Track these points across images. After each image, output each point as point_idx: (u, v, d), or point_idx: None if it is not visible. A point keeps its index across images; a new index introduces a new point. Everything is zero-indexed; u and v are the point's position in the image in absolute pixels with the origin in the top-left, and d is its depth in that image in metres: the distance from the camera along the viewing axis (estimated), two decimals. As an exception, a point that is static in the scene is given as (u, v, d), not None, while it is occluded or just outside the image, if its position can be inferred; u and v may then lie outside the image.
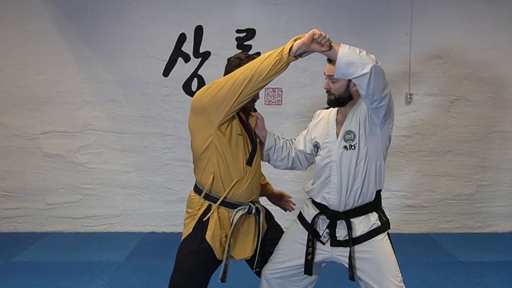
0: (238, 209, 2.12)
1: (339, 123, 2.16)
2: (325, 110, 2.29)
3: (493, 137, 4.51)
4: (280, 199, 2.57)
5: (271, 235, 2.30)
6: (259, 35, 4.32)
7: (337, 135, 2.13)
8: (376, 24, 4.35)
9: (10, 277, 3.45)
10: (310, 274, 2.15)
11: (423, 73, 4.41)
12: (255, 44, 4.30)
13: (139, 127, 4.43)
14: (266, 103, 4.37)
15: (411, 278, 3.43)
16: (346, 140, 2.08)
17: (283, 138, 2.38)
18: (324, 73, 2.14)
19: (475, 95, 4.45)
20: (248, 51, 4.28)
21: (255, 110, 2.29)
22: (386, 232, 2.13)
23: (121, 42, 4.33)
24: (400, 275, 2.06)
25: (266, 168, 4.89)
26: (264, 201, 2.41)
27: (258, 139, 2.26)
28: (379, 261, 2.06)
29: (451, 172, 4.54)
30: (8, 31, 4.30)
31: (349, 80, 2.04)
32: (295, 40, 1.91)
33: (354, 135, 2.07)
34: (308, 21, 4.32)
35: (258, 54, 2.19)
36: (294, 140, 2.39)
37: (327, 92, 2.13)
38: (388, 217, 2.18)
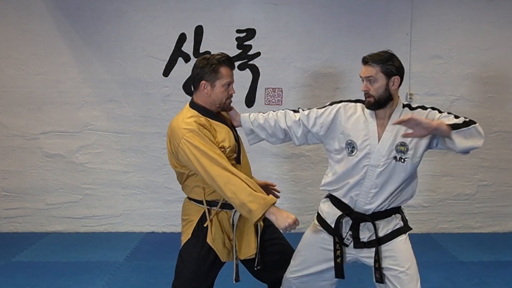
0: (235, 210, 2.10)
1: (380, 125, 2.07)
2: (353, 104, 2.17)
3: (493, 137, 4.50)
4: (265, 189, 2.55)
5: (269, 235, 2.27)
6: (259, 35, 4.32)
7: (379, 139, 2.05)
8: (376, 24, 4.34)
9: (10, 277, 3.45)
10: (342, 277, 2.12)
11: (423, 73, 4.41)
12: (255, 44, 4.30)
13: (139, 127, 4.43)
14: (266, 103, 4.37)
15: (411, 278, 3.43)
16: (398, 151, 2.01)
17: (263, 114, 2.26)
18: (361, 76, 2.06)
19: (475, 95, 4.45)
20: (248, 51, 4.28)
21: (231, 109, 2.26)
22: (407, 233, 2.13)
23: (121, 42, 4.33)
24: (419, 278, 2.08)
25: (266, 168, 4.88)
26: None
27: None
28: (400, 259, 2.05)
29: (451, 172, 4.54)
30: (8, 31, 4.30)
31: (388, 79, 2.00)
32: (269, 205, 1.90)
33: (407, 149, 2.01)
34: (308, 21, 4.33)
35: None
36: (289, 111, 2.24)
37: (365, 94, 2.05)
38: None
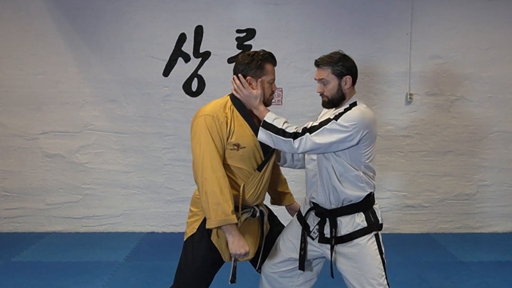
0: (242, 212, 2.10)
1: None
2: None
3: (493, 137, 4.50)
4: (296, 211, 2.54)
5: (275, 235, 2.30)
6: (259, 35, 4.32)
7: None
8: (376, 24, 4.35)
9: (10, 277, 3.45)
10: (303, 269, 2.17)
11: (423, 73, 4.41)
12: (255, 44, 4.30)
13: (139, 127, 4.43)
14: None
15: (411, 278, 3.43)
16: None
17: None
18: (315, 79, 2.14)
19: (475, 95, 4.45)
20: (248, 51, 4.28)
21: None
22: (372, 234, 2.10)
23: (121, 42, 4.33)
24: (383, 278, 2.04)
25: (266, 168, 4.79)
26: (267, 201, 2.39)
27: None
28: (360, 263, 2.06)
29: (451, 172, 4.54)
30: (8, 31, 4.30)
31: (340, 79, 2.06)
32: (226, 222, 1.94)
33: None
34: (308, 21, 4.33)
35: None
36: None
37: (321, 95, 2.13)
38: (379, 217, 2.14)
